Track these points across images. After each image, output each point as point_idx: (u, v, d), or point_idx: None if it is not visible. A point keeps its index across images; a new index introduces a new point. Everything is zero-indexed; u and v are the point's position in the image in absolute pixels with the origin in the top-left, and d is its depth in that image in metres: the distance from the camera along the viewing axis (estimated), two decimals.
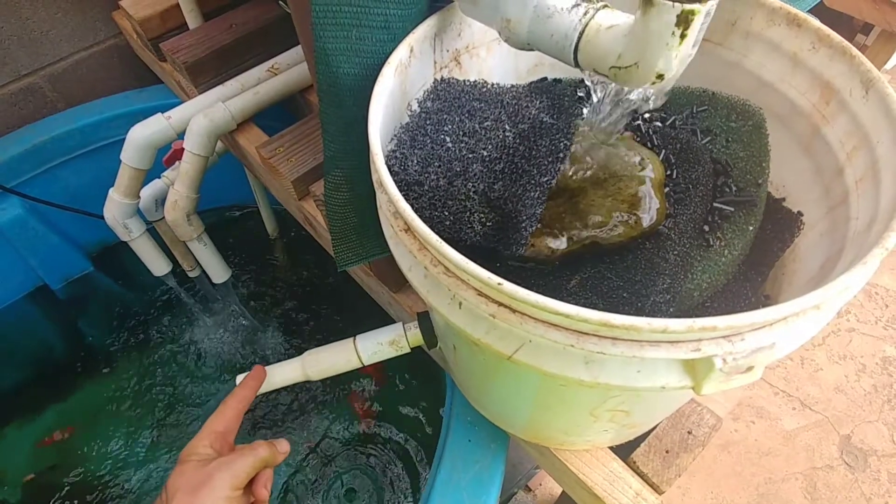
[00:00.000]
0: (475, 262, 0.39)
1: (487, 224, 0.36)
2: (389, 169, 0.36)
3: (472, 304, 0.32)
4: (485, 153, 0.35)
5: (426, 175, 0.35)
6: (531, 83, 0.43)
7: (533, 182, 0.35)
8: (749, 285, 0.43)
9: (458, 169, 0.35)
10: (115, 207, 0.89)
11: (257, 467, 0.47)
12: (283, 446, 0.51)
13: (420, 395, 1.06)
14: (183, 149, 0.85)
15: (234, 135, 0.87)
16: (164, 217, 0.91)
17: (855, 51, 0.39)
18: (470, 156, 0.35)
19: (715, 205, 0.42)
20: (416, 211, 0.37)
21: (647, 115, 0.48)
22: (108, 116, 1.09)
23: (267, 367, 0.55)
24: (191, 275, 1.08)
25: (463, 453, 0.68)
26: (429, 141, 0.36)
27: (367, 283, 0.75)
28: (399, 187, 0.36)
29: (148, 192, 0.94)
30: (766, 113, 0.47)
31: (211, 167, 0.93)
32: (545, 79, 0.53)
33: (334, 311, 1.18)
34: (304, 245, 1.26)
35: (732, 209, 0.42)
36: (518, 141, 0.36)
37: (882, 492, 1.35)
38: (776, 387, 1.61)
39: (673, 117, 0.48)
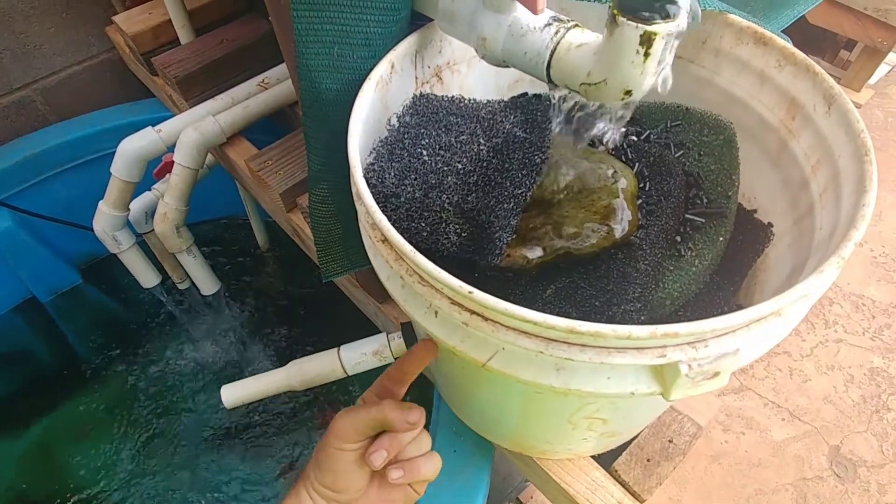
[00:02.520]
0: (455, 272, 0.40)
1: (462, 235, 0.37)
2: (367, 181, 0.37)
3: (446, 313, 0.33)
4: (459, 166, 0.36)
5: (403, 187, 0.36)
6: (510, 98, 0.44)
7: (506, 194, 0.36)
8: (722, 295, 0.44)
9: (434, 181, 0.36)
10: (105, 219, 0.90)
11: (373, 426, 0.39)
12: (413, 415, 0.40)
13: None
14: (173, 161, 0.86)
15: (223, 148, 0.88)
16: (153, 229, 0.92)
17: (818, 68, 0.41)
18: (445, 168, 0.36)
19: (686, 216, 0.43)
20: (394, 222, 0.38)
21: (623, 130, 0.50)
22: (99, 129, 1.10)
23: (249, 379, 0.55)
24: (180, 286, 1.09)
25: (448, 464, 0.68)
26: (406, 154, 0.37)
27: (353, 294, 0.76)
28: (377, 199, 0.37)
29: (137, 204, 0.95)
30: (737, 127, 0.49)
31: (202, 180, 0.93)
32: (525, 94, 0.55)
33: (324, 322, 1.18)
34: (294, 257, 1.27)
35: (703, 220, 0.43)
36: (492, 154, 0.37)
37: (872, 502, 1.35)
38: (765, 397, 1.62)
39: (648, 131, 0.49)
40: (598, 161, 0.42)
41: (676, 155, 0.47)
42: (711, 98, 0.50)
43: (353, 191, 0.37)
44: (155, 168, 0.94)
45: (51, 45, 1.06)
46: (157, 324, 1.18)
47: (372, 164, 0.38)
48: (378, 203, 0.37)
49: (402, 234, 0.38)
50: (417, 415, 0.40)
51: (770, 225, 0.46)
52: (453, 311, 0.32)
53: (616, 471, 0.56)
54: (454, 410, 0.64)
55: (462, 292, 0.30)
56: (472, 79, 0.53)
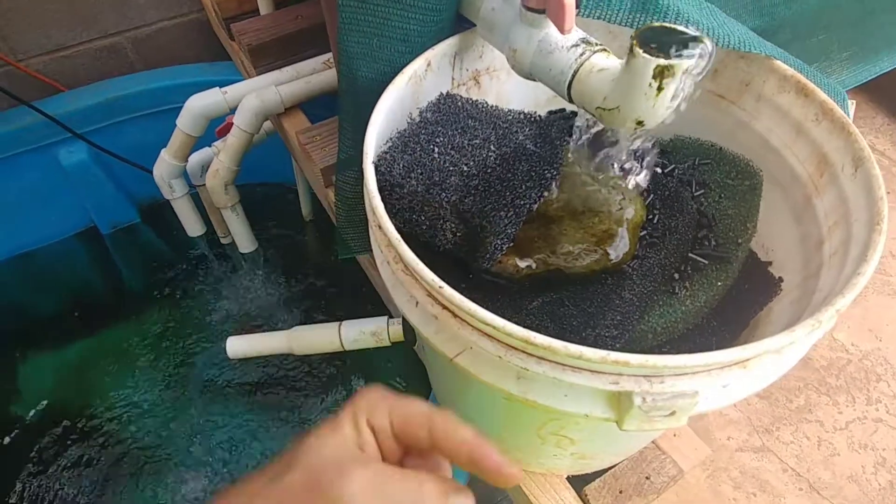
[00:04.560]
0: (452, 270, 0.42)
1: (458, 234, 0.38)
2: (377, 168, 0.39)
3: (422, 304, 0.34)
4: (465, 168, 0.38)
5: (408, 179, 0.38)
6: (529, 112, 0.45)
7: (504, 202, 0.37)
8: (716, 339, 0.43)
9: (437, 178, 0.37)
10: (164, 167, 0.97)
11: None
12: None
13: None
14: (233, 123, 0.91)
15: (280, 117, 0.93)
16: (205, 183, 0.98)
17: (853, 128, 0.40)
18: (451, 168, 0.38)
19: (690, 255, 0.43)
20: (397, 212, 0.40)
21: (647, 160, 0.49)
22: (178, 83, 1.18)
23: (256, 335, 0.59)
24: (223, 241, 1.15)
25: None
26: (418, 149, 0.39)
27: (372, 276, 0.79)
28: (383, 187, 0.39)
29: (196, 158, 1.01)
30: (767, 176, 0.48)
31: (257, 144, 0.99)
32: (563, 110, 0.55)
33: (346, 298, 1.22)
34: (332, 231, 1.32)
35: (706, 262, 0.42)
36: (498, 162, 0.38)
37: None
38: (786, 463, 1.54)
39: (673, 166, 0.49)
40: (611, 186, 0.42)
41: (696, 194, 0.47)
42: (747, 142, 0.49)
43: (364, 177, 0.39)
44: (217, 127, 1.00)
45: None
46: (196, 271, 1.25)
47: (385, 153, 0.40)
48: (384, 191, 0.39)
49: (404, 224, 0.40)
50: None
51: (780, 280, 0.45)
52: (427, 302, 0.34)
53: (586, 495, 0.56)
54: (441, 406, 0.65)
55: (434, 286, 0.31)
56: (509, 87, 0.55)
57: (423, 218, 0.39)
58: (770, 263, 0.47)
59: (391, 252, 0.36)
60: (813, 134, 0.43)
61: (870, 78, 0.81)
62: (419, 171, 0.38)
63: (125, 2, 1.12)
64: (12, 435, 1.04)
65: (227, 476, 0.99)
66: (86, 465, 1.00)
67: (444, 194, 0.37)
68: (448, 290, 0.30)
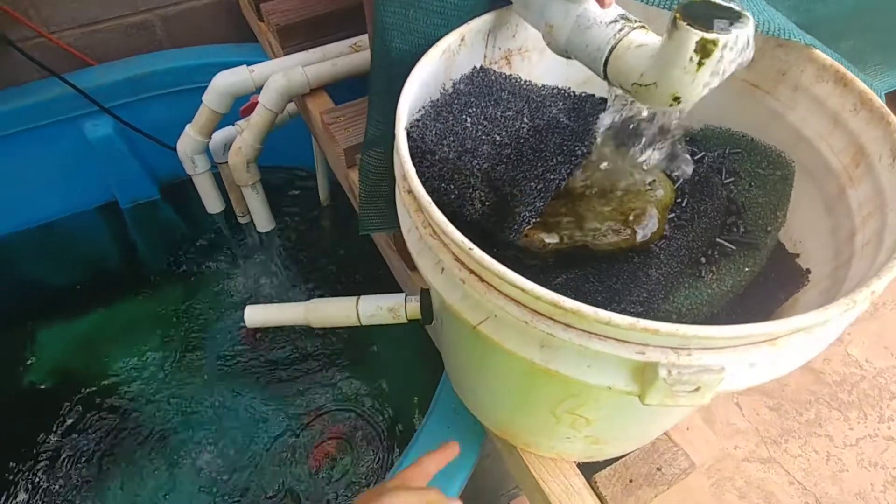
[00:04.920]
0: (480, 245, 0.42)
1: (486, 203, 0.38)
2: (409, 135, 0.39)
3: (449, 269, 0.35)
4: (497, 138, 0.38)
5: (440, 146, 0.38)
6: (564, 87, 0.45)
7: (535, 173, 0.37)
8: None
9: (469, 146, 0.37)
10: (188, 142, 0.98)
11: None
12: None
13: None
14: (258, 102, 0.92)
15: (305, 98, 0.93)
16: (227, 161, 0.99)
17: (892, 118, 0.39)
18: (484, 137, 0.38)
19: (718, 240, 0.42)
20: (426, 180, 0.40)
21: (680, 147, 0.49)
22: (204, 63, 1.19)
23: (273, 305, 0.59)
24: (241, 220, 1.16)
25: (438, 438, 0.70)
26: (451, 118, 0.39)
27: (389, 258, 0.79)
28: (414, 154, 0.39)
29: (219, 135, 1.02)
30: (799, 168, 0.47)
31: (281, 125, 0.99)
32: (592, 95, 0.55)
33: (360, 283, 1.23)
34: (349, 217, 1.32)
35: (734, 248, 0.42)
36: (531, 133, 0.38)
37: None
38: (793, 476, 1.52)
39: (704, 153, 0.49)
40: (641, 167, 0.42)
41: (726, 181, 0.46)
42: (779, 134, 0.48)
43: (395, 143, 0.39)
44: (242, 106, 1.01)
45: None
46: (212, 249, 1.26)
47: (418, 120, 0.40)
48: (415, 158, 0.39)
49: (431, 193, 0.40)
50: None
51: (808, 271, 0.44)
52: (454, 266, 0.34)
53: (595, 482, 0.55)
54: (454, 386, 0.65)
55: (463, 247, 0.31)
56: (540, 69, 0.54)
57: (452, 186, 0.39)
58: (798, 255, 0.46)
59: (420, 217, 0.36)
60: (850, 124, 0.42)
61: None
62: (451, 138, 0.38)
63: None
64: (25, 401, 1.06)
65: (235, 454, 1.00)
66: (93, 433, 1.02)
67: (475, 161, 0.37)
68: (478, 252, 0.30)
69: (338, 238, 1.33)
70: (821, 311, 0.29)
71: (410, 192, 0.37)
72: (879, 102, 0.40)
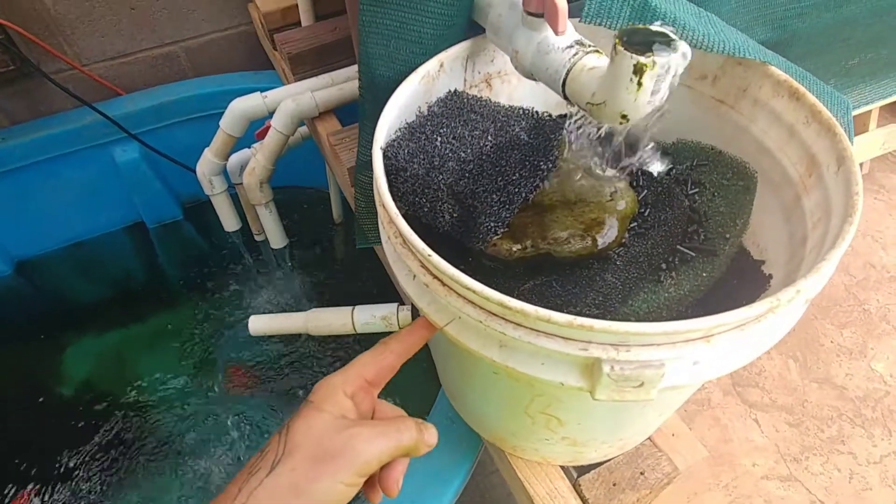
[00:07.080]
0: (453, 254, 0.45)
1: (454, 215, 0.41)
2: (385, 153, 0.43)
3: (417, 275, 0.38)
4: (462, 155, 0.41)
5: (411, 164, 0.41)
6: (527, 107, 0.49)
7: (495, 186, 0.40)
8: None
9: (437, 163, 0.41)
10: (207, 164, 1.04)
11: (395, 455, 0.36)
12: (432, 437, 0.39)
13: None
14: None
15: (314, 121, 0.99)
16: (242, 181, 1.05)
17: (839, 129, 0.41)
18: (450, 154, 0.41)
19: (678, 247, 0.45)
20: (402, 195, 0.44)
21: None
22: (225, 90, 1.26)
23: (276, 315, 0.63)
24: (257, 238, 1.22)
25: (434, 448, 0.72)
26: (423, 138, 0.43)
27: (390, 269, 0.83)
28: (389, 171, 0.43)
29: (236, 158, 1.08)
30: (763, 178, 0.49)
31: (293, 146, 1.05)
32: (551, 115, 0.58)
33: (372, 294, 1.27)
34: (354, 222, 1.37)
35: (693, 254, 0.44)
36: (493, 150, 0.42)
37: None
38: (815, 495, 1.48)
39: (672, 166, 0.51)
40: (605, 180, 0.45)
41: (691, 192, 0.49)
42: (745, 145, 0.51)
43: (372, 160, 0.43)
44: (257, 130, 1.07)
45: (201, 12, 1.23)
46: (231, 266, 1.32)
47: (394, 140, 0.44)
48: (390, 175, 0.43)
49: (407, 207, 0.43)
50: (435, 434, 0.40)
51: (770, 277, 0.46)
52: (421, 273, 0.37)
53: (579, 485, 0.57)
54: (447, 394, 0.68)
55: (423, 254, 0.34)
56: (521, 91, 0.58)
57: (424, 200, 0.42)
58: (763, 262, 0.48)
59: (392, 228, 0.39)
60: (803, 136, 0.45)
61: None
62: (421, 156, 0.41)
63: (182, 15, 1.21)
64: (55, 412, 1.12)
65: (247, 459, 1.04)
66: (118, 444, 1.07)
67: (441, 177, 0.40)
68: (436, 258, 0.34)
69: (349, 253, 1.38)
70: (745, 308, 0.31)
71: (383, 205, 0.40)
72: (828, 114, 0.42)
